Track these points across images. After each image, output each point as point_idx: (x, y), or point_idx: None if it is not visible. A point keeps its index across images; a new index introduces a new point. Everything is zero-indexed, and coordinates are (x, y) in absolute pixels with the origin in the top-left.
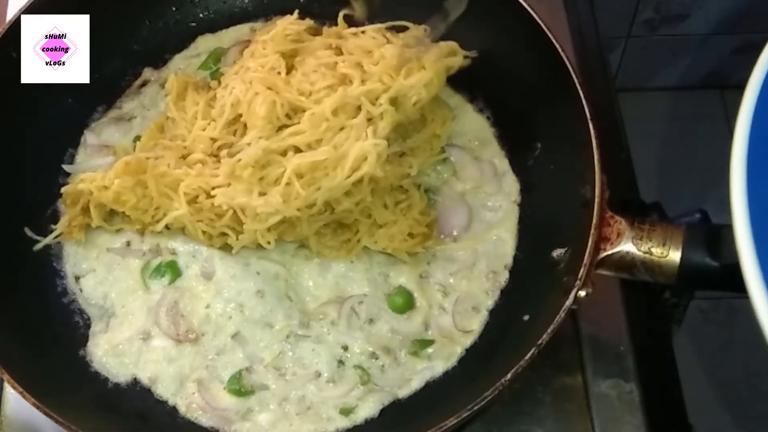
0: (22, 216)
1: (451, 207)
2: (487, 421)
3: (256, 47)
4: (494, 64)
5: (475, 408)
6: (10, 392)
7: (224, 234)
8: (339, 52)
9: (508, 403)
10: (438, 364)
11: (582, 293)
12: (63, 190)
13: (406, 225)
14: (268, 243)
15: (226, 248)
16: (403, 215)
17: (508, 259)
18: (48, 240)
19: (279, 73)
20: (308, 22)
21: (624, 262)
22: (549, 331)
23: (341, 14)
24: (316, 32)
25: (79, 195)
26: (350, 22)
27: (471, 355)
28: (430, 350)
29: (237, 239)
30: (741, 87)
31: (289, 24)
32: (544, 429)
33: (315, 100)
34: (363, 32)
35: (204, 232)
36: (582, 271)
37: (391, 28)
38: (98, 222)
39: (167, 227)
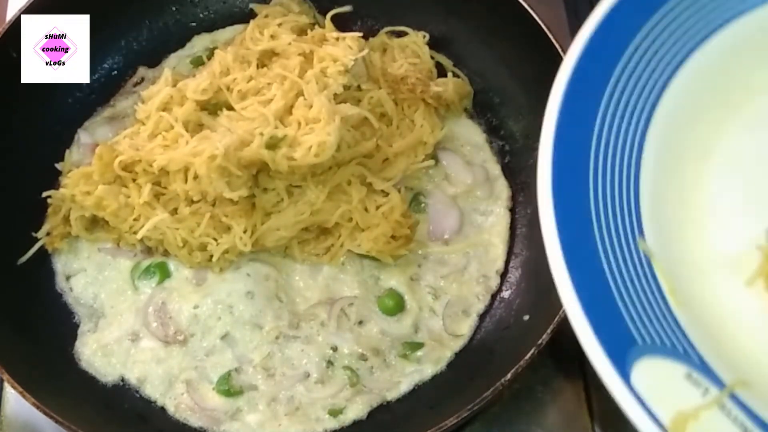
0: (22, 215)
1: (442, 210)
2: (487, 421)
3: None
4: (494, 65)
5: (475, 408)
6: (10, 392)
7: (204, 248)
8: (310, 57)
9: (508, 403)
10: (427, 367)
11: None
12: (45, 194)
13: (388, 227)
14: (245, 246)
15: None
16: (385, 218)
17: (500, 264)
18: (30, 253)
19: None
20: (303, 20)
21: None
22: (549, 331)
23: (329, 15)
24: (301, 32)
25: (60, 203)
26: (343, 20)
27: (460, 359)
28: (419, 353)
29: (217, 245)
30: None
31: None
32: (544, 429)
33: (241, 96)
34: (344, 38)
35: (184, 243)
36: None
37: (390, 33)
38: (78, 232)
39: (144, 242)
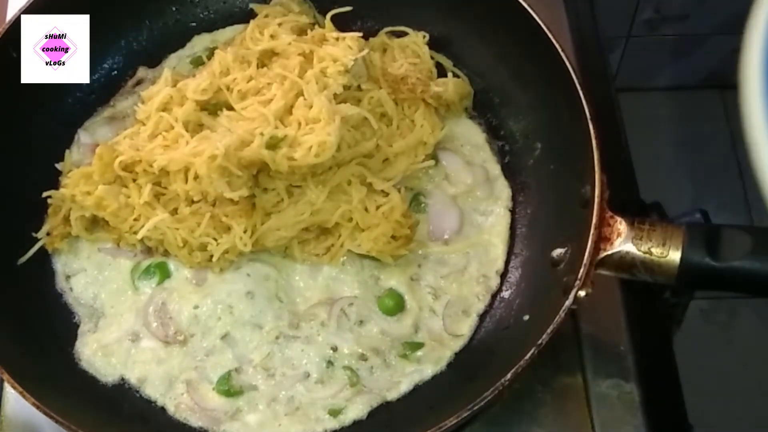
0: (22, 215)
1: (442, 210)
2: (487, 421)
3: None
4: (494, 65)
5: (475, 408)
6: (10, 392)
7: (204, 248)
8: (310, 57)
9: (508, 403)
10: (427, 367)
11: (582, 293)
12: (45, 194)
13: (388, 227)
14: (245, 246)
15: None
16: (385, 218)
17: (500, 264)
18: (30, 253)
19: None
20: (303, 20)
21: (624, 262)
22: (549, 331)
23: (329, 15)
24: (301, 32)
25: (60, 203)
26: (343, 20)
27: (460, 360)
28: (419, 353)
29: (217, 245)
30: None
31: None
32: (544, 429)
33: (241, 96)
34: (344, 38)
35: (184, 244)
36: (582, 271)
37: (390, 33)
38: (78, 232)
39: (144, 242)
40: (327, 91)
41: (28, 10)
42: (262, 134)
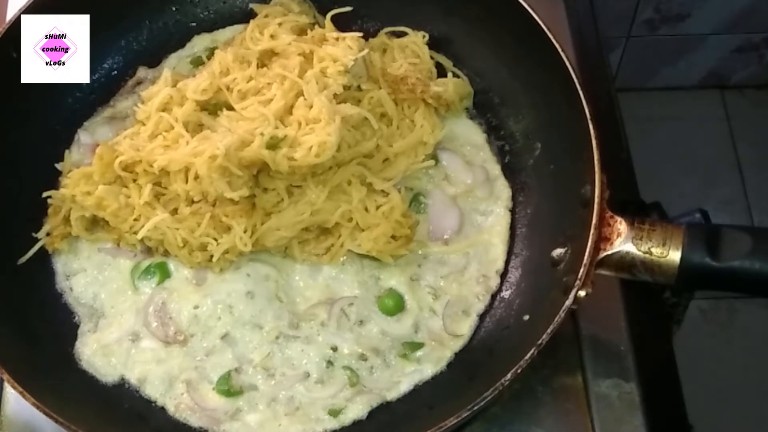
0: (22, 215)
1: (442, 210)
2: (487, 421)
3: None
4: (494, 65)
5: (475, 408)
6: (10, 392)
7: (204, 248)
8: (310, 57)
9: (508, 403)
10: (427, 367)
11: (582, 293)
12: (45, 194)
13: (388, 227)
14: (245, 246)
15: None
16: (385, 218)
17: (499, 264)
18: (30, 253)
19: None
20: (303, 20)
21: (624, 262)
22: (549, 331)
23: (329, 15)
24: (301, 32)
25: (60, 203)
26: (343, 20)
27: (460, 360)
28: (419, 353)
29: (217, 245)
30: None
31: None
32: (544, 429)
33: (241, 96)
34: (344, 38)
35: (185, 243)
36: (582, 271)
37: (390, 33)
38: (78, 232)
39: (144, 242)
40: (327, 91)
41: (28, 10)
42: (262, 134)
